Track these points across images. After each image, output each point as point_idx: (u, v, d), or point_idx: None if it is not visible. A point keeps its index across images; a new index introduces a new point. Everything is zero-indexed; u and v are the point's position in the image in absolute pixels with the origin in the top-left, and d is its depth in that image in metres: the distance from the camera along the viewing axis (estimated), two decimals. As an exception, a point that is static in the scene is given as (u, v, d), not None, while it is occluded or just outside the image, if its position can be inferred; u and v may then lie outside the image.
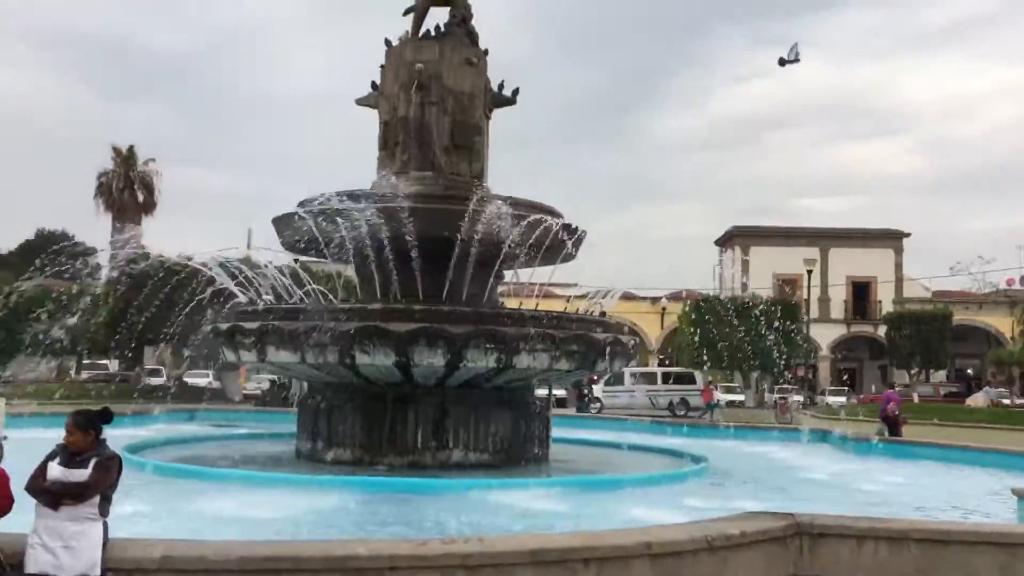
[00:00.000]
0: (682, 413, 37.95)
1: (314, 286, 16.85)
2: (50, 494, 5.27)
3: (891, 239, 64.85)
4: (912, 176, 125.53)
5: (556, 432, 15.98)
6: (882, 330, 59.98)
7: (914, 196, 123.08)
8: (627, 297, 45.92)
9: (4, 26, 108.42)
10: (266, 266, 16.54)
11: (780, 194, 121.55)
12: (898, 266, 64.69)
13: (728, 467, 15.07)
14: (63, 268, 19.33)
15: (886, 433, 20.88)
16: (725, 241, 68.63)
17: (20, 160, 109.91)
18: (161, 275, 20.67)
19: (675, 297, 58.76)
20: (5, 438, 4.96)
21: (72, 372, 45.17)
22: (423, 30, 16.09)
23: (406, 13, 16.33)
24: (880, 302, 63.37)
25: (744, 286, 56.03)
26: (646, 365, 60.91)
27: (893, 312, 60.01)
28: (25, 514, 5.41)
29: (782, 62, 24.48)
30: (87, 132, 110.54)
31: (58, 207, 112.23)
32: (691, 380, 42.65)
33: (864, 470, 15.47)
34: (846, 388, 57.97)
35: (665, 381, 42.35)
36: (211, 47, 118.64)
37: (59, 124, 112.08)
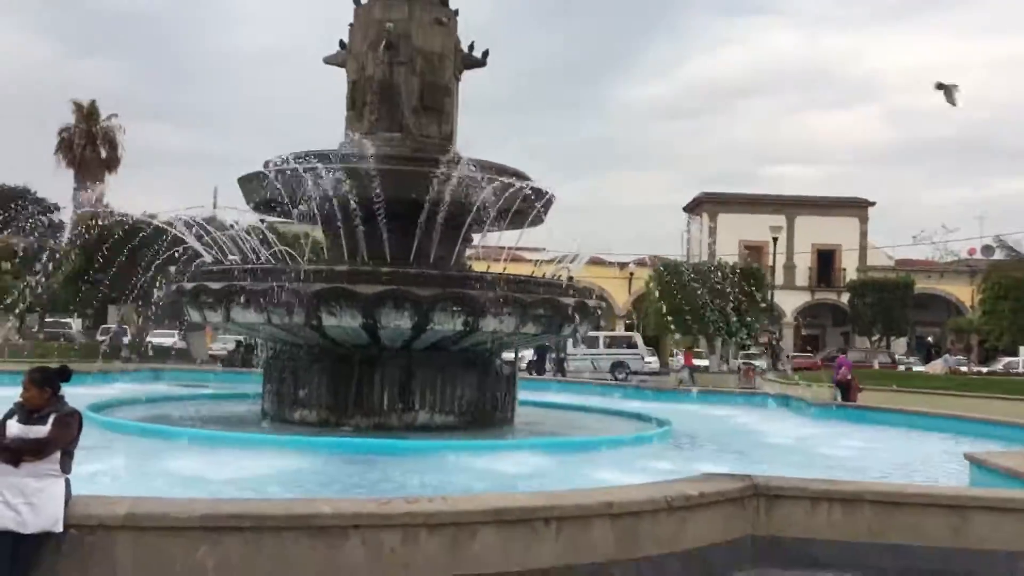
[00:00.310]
0: (622, 376, 38.75)
1: (280, 247, 16.77)
2: (10, 451, 5.25)
3: (856, 207, 65.49)
4: (878, 145, 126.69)
5: (522, 395, 16.09)
6: (845, 297, 60.79)
7: (880, 166, 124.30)
8: (595, 262, 46.08)
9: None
10: (232, 226, 16.40)
11: (749, 162, 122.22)
12: (863, 234, 65.41)
13: (692, 431, 15.28)
14: (25, 224, 19.05)
15: (838, 397, 21.19)
16: (693, 208, 68.97)
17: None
18: (124, 233, 20.42)
19: (643, 263, 59.05)
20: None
21: (34, 329, 44.61)
22: (393, -12, 15.87)
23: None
24: (844, 270, 64.13)
25: (711, 252, 56.46)
26: (613, 329, 61.33)
27: (856, 280, 60.80)
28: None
29: (941, 87, 24.02)
30: (47, 87, 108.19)
31: (18, 163, 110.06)
32: (631, 344, 44.07)
33: (823, 435, 15.76)
34: (809, 353, 58.79)
35: (607, 345, 43.35)
36: (176, 2, 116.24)
37: (17, 78, 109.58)
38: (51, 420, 5.34)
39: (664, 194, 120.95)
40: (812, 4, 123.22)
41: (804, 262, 64.13)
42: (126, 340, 39.11)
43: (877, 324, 56.81)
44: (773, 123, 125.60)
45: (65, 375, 5.61)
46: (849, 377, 22.36)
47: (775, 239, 48.20)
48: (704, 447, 13.69)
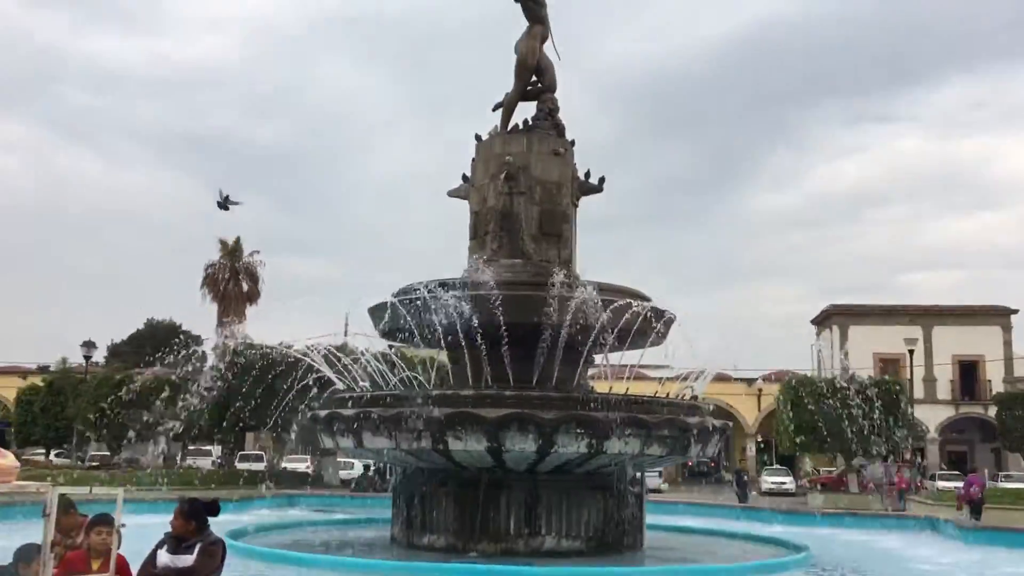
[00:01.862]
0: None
1: (408, 372, 17.26)
2: (159, 580, 5.57)
3: (998, 316, 62.37)
4: (1018, 250, 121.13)
5: (650, 519, 15.77)
6: (993, 411, 57.31)
7: (1021, 270, 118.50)
8: (721, 378, 45.22)
9: (125, 129, 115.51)
10: (362, 353, 17.01)
11: (880, 271, 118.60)
12: (1007, 343, 62.00)
13: (834, 557, 14.58)
14: (177, 358, 20.25)
15: (967, 515, 19.96)
16: (822, 320, 67.10)
17: (134, 253, 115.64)
18: (263, 363, 21.44)
19: (771, 378, 57.49)
20: (123, 526, 5.28)
21: (178, 458, 46.55)
22: (511, 124, 16.69)
23: (495, 108, 16.98)
24: (990, 381, 60.67)
25: (843, 366, 54.55)
26: (743, 449, 59.47)
27: (1004, 392, 57.36)
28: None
29: None
30: (195, 227, 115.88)
31: (167, 298, 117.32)
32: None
33: (976, 561, 14.77)
34: (957, 472, 55.32)
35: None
36: (310, 142, 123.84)
37: (170, 218, 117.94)
38: (197, 549, 5.65)
39: (793, 305, 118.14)
40: (937, 110, 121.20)
41: (945, 374, 61.05)
42: (261, 466, 40.37)
43: (1030, 438, 53.11)
44: (904, 230, 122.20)
45: (214, 510, 5.94)
46: (979, 495, 21.14)
47: (911, 351, 46.27)
48: None
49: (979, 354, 61.13)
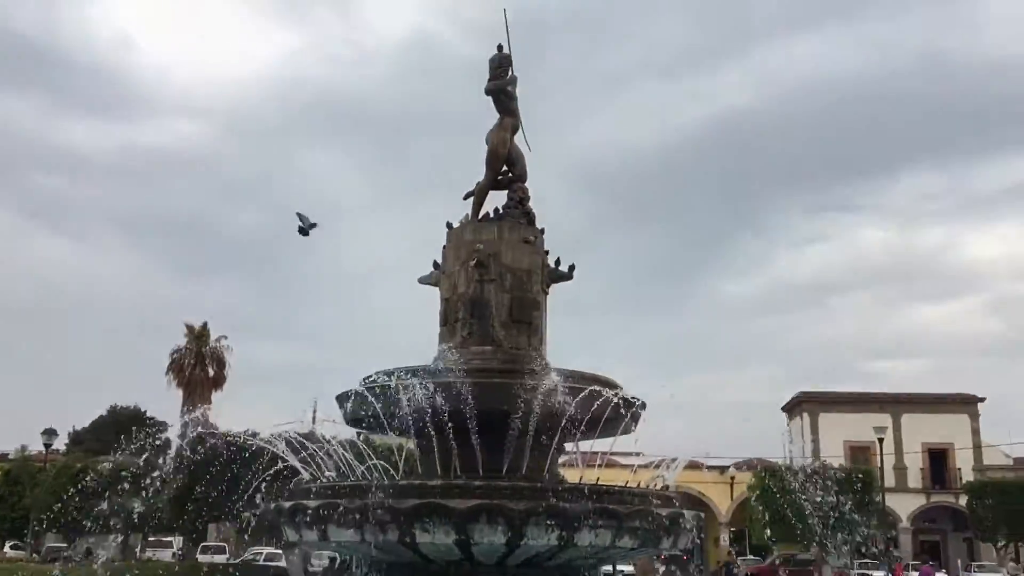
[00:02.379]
0: None
1: (375, 461, 16.96)
2: None
3: (966, 404, 62.85)
4: (985, 337, 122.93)
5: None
6: (964, 500, 57.27)
7: (989, 358, 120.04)
8: (693, 466, 44.88)
9: (94, 214, 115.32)
10: (329, 441, 16.75)
11: (848, 358, 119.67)
12: (975, 431, 62.35)
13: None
14: (139, 446, 19.81)
15: None
16: (792, 407, 67.23)
17: (99, 339, 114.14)
18: (228, 451, 20.98)
19: (743, 466, 57.24)
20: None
21: (137, 550, 45.12)
22: (482, 212, 16.86)
23: (466, 197, 17.16)
24: (959, 469, 60.79)
25: (814, 454, 54.40)
26: (716, 538, 58.78)
27: (974, 481, 57.41)
28: None
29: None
30: (162, 311, 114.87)
31: (131, 384, 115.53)
32: None
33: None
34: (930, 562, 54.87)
35: None
36: (280, 228, 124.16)
37: (134, 304, 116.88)
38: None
39: (761, 392, 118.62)
40: (899, 198, 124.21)
41: (915, 462, 61.10)
42: (224, 558, 39.22)
43: (1001, 528, 52.97)
44: (871, 318, 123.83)
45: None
46: None
47: (880, 440, 46.36)
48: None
49: (948, 442, 61.42)
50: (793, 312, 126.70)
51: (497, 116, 17.34)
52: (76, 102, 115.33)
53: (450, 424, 13.28)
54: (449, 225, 16.65)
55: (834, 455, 55.20)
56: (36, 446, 47.95)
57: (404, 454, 21.23)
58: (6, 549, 47.41)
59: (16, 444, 59.91)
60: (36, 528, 43.21)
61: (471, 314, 15.69)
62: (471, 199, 17.07)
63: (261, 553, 39.99)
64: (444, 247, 16.65)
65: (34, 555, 43.08)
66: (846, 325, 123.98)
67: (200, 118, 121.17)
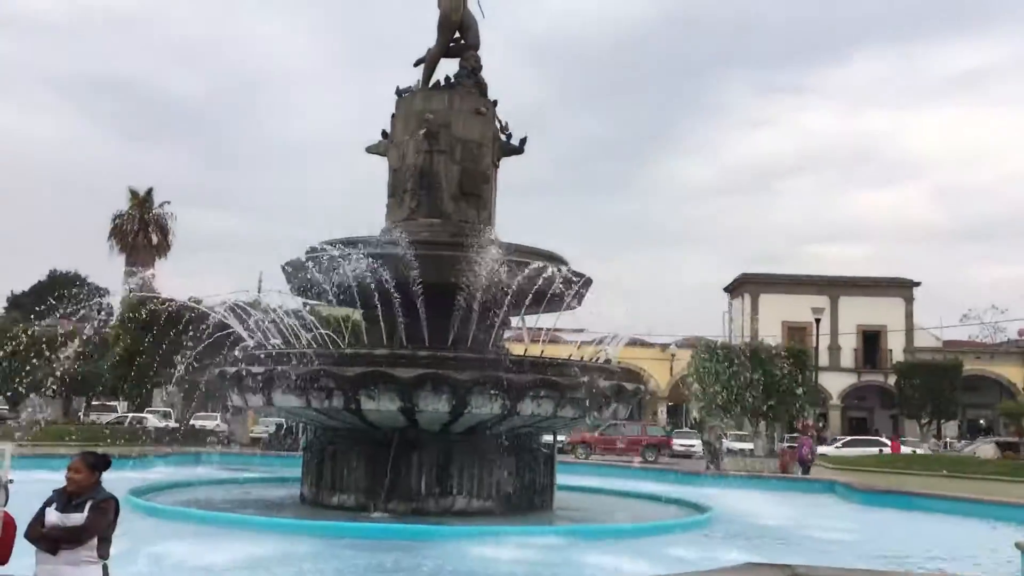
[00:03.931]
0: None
1: (321, 330, 16.99)
2: (48, 540, 5.33)
3: (901, 287, 64.70)
4: (924, 224, 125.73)
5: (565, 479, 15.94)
6: (893, 379, 59.65)
7: (927, 244, 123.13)
8: (636, 343, 45.80)
9: (28, 72, 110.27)
10: (275, 310, 16.67)
11: (790, 241, 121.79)
12: (908, 315, 64.42)
13: (735, 518, 14.97)
14: (75, 309, 19.53)
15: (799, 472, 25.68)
16: (734, 288, 68.62)
17: (37, 202, 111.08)
18: (170, 317, 20.84)
19: (684, 344, 58.62)
20: (11, 481, 5.03)
21: (80, 414, 45.20)
22: (433, 80, 16.41)
23: (417, 64, 16.66)
24: (891, 351, 63.06)
25: (753, 333, 55.94)
26: (655, 412, 60.67)
27: (903, 361, 59.70)
28: (26, 558, 5.48)
29: None
30: (105, 176, 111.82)
31: (72, 249, 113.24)
32: None
33: (869, 523, 15.35)
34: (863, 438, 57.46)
35: None
36: (230, 94, 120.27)
37: (77, 167, 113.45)
38: (88, 507, 5.42)
39: (706, 274, 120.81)
40: (851, 83, 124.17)
41: (849, 343, 63.19)
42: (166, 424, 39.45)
43: (926, 407, 55.51)
44: (814, 202, 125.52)
45: (106, 463, 5.71)
46: (810, 455, 27.65)
47: (818, 320, 47.68)
48: (746, 536, 13.38)
49: (882, 324, 63.41)
50: (739, 195, 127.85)
51: (450, -21, 16.69)
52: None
53: (396, 296, 13.28)
54: (399, 92, 16.21)
55: (772, 335, 56.73)
56: (-26, 309, 47.14)
57: (351, 325, 21.32)
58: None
59: (-47, 307, 58.91)
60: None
61: (420, 186, 15.47)
62: (422, 66, 16.59)
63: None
64: (393, 116, 16.23)
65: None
66: (790, 209, 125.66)
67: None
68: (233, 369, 13.70)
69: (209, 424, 40.98)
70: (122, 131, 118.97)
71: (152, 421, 41.17)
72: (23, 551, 5.50)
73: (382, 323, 14.17)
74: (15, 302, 64.15)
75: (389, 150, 16.14)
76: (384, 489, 13.24)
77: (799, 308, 56.62)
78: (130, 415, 41.40)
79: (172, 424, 39.12)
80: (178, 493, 15.42)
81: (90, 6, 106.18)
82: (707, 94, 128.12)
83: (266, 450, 31.40)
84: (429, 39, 16.73)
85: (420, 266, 13.26)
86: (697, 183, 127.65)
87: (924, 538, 13.31)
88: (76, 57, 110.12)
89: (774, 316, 61.10)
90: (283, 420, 31.49)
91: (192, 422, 39.51)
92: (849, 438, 47.07)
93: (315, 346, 15.38)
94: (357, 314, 20.16)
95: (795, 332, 59.78)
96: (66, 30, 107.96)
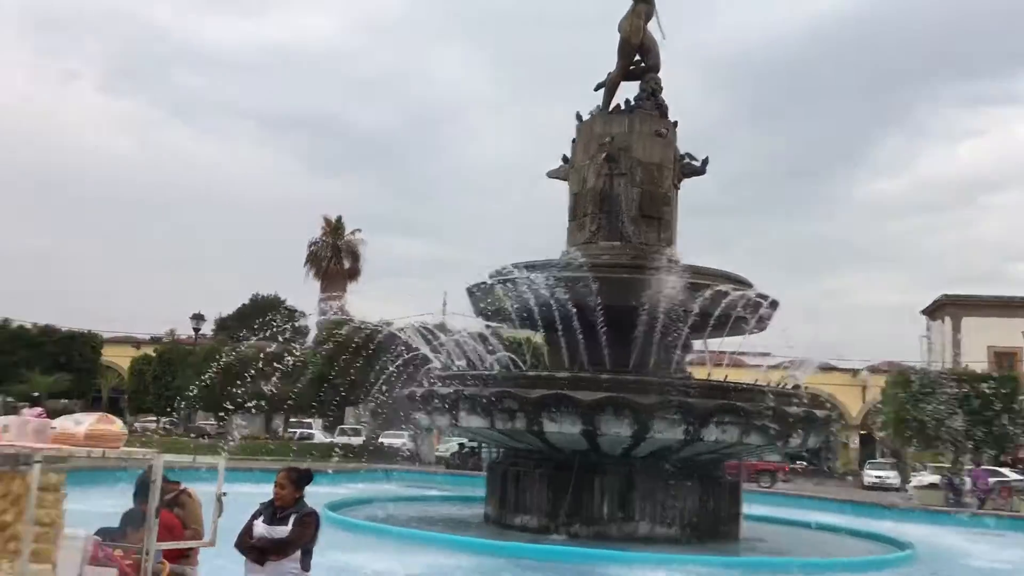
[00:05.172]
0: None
1: (504, 353, 17.27)
2: (256, 550, 5.66)
3: None
4: None
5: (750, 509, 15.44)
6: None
7: None
8: (825, 368, 43.83)
9: (227, 109, 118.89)
10: (459, 333, 17.10)
11: (997, 260, 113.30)
12: (1124, 338, 58.52)
13: (938, 555, 14.01)
14: (276, 331, 20.73)
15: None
16: (934, 310, 64.53)
17: (240, 231, 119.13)
18: (362, 339, 21.79)
19: (877, 369, 55.62)
20: (224, 494, 5.38)
21: (279, 431, 47.87)
22: (613, 104, 16.46)
23: (597, 88, 16.77)
24: (1116, 379, 57.46)
25: (955, 359, 52.41)
26: (846, 440, 57.83)
27: None
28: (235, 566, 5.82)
29: None
30: (300, 205, 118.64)
31: (272, 274, 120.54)
32: None
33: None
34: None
35: None
36: (413, 125, 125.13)
37: (274, 197, 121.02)
38: (292, 521, 5.72)
39: (900, 295, 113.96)
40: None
41: (1065, 369, 58.07)
42: (359, 440, 41.16)
43: None
44: (1018, 217, 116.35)
45: (308, 479, 6.00)
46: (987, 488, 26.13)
47: (1030, 345, 44.11)
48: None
49: (1102, 350, 57.92)
50: (937, 212, 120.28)
51: (631, 2, 16.74)
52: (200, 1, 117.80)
53: (577, 319, 13.34)
54: (579, 117, 16.35)
55: (977, 360, 52.95)
56: (186, 330, 50.94)
57: (531, 347, 21.57)
58: (161, 425, 51.11)
59: (167, 328, 63.87)
60: (185, 406, 46.28)
61: (600, 209, 15.52)
62: (602, 91, 16.67)
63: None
64: (573, 140, 16.41)
65: (189, 433, 46.31)
66: (996, 226, 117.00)
67: (327, 14, 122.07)
68: (421, 390, 14.15)
69: (396, 442, 42.42)
70: (312, 163, 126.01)
71: (319, 436, 43.30)
72: (232, 558, 5.85)
73: (563, 346, 14.25)
74: (222, 324, 68.82)
75: (570, 174, 16.30)
76: (566, 512, 13.27)
77: (1007, 332, 52.68)
78: (297, 431, 43.60)
79: (358, 441, 40.74)
80: (368, 508, 16.01)
81: (283, 46, 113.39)
82: (903, 109, 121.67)
83: (450, 469, 32.16)
84: (608, 63, 16.80)
85: (601, 289, 13.27)
86: (893, 201, 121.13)
87: None
88: (270, 94, 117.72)
89: (979, 341, 56.98)
90: (464, 440, 32.23)
91: (380, 440, 41.04)
92: None
93: (498, 368, 15.66)
94: (537, 336, 20.37)
95: (1003, 358, 55.52)
96: (262, 69, 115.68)
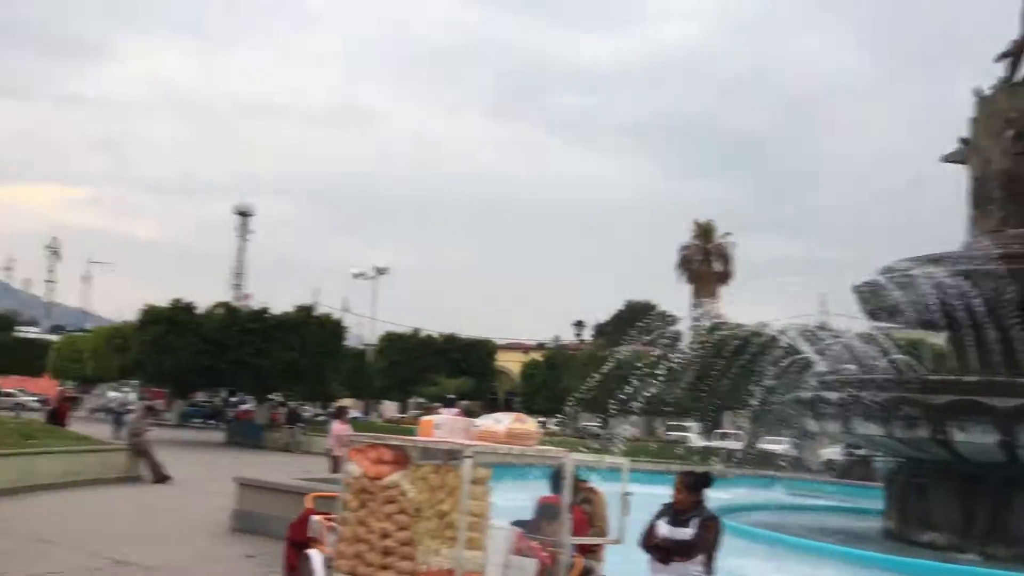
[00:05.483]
0: None
1: (898, 355, 16.08)
2: (661, 550, 5.75)
3: None
4: None
5: None
6: None
7: None
8: None
9: (601, 121, 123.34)
10: (848, 334, 16.22)
11: None
12: None
13: None
14: (654, 336, 21.11)
15: None
16: None
17: (616, 239, 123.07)
18: (739, 343, 21.41)
19: None
20: (630, 493, 5.58)
21: (661, 432, 48.64)
22: (1020, 75, 14.70)
23: (999, 59, 15.05)
24: None
25: None
26: None
27: None
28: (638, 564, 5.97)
29: None
30: (669, 210, 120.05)
31: (645, 280, 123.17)
32: None
33: None
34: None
35: None
36: (780, 120, 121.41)
37: (645, 204, 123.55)
38: (695, 523, 5.74)
39: None
40: None
41: None
42: (737, 445, 40.56)
43: None
44: None
45: (708, 481, 6.01)
46: None
47: None
48: None
49: None
50: None
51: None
52: (569, 21, 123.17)
53: (987, 316, 12.08)
54: (978, 93, 14.78)
55: None
56: (567, 336, 53.68)
57: (929, 349, 19.87)
58: (550, 426, 54.19)
59: (551, 334, 67.60)
60: (571, 408, 48.59)
61: (1008, 193, 13.92)
62: (1005, 60, 14.94)
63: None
64: (972, 119, 14.84)
65: (577, 434, 48.62)
66: None
67: (690, 19, 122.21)
68: (809, 395, 13.61)
69: (777, 448, 41.17)
70: (683, 167, 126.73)
71: (694, 440, 43.14)
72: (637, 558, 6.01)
73: (970, 347, 12.94)
74: (600, 330, 71.51)
75: (969, 157, 14.80)
76: (980, 530, 12.02)
77: None
78: (672, 434, 43.65)
79: (736, 446, 40.12)
80: (756, 515, 15.65)
81: (655, 53, 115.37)
82: None
83: (838, 478, 30.56)
84: (1012, 28, 15.02)
85: (1014, 282, 11.90)
86: None
87: None
88: (636, 104, 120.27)
89: None
90: (849, 447, 30.45)
91: (760, 445, 40.08)
92: None
93: (894, 372, 14.61)
94: (932, 337, 18.76)
95: None
96: (630, 79, 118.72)
